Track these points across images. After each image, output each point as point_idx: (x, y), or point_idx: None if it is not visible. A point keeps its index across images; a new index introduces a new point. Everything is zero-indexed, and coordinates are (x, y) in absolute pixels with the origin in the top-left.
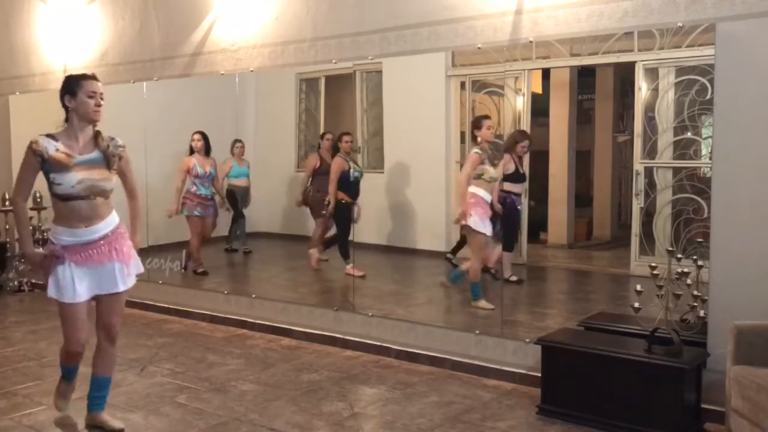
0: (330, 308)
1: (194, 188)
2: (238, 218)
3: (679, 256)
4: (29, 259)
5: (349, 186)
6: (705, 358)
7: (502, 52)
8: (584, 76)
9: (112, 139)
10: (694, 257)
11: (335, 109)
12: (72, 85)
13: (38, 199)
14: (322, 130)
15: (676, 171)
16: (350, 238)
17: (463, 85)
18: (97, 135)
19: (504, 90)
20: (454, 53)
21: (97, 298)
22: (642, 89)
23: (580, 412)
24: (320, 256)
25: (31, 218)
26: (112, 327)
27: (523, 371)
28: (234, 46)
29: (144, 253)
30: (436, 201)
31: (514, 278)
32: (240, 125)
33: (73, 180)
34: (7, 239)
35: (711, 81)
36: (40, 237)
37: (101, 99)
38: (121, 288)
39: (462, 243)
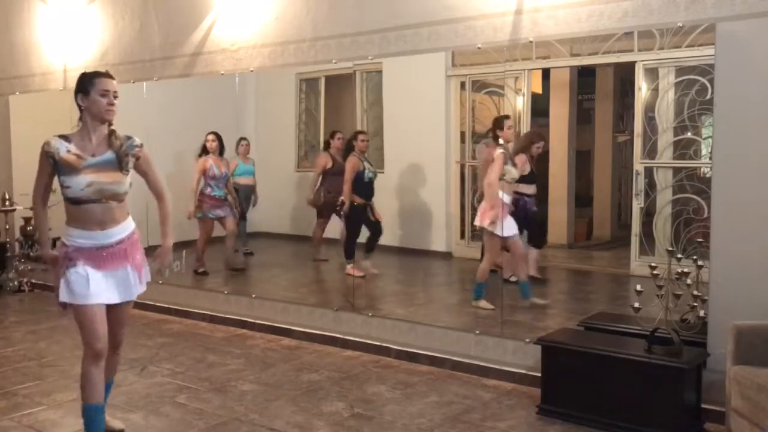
0: (330, 308)
1: (209, 190)
2: (242, 219)
3: (679, 256)
4: (48, 261)
5: (363, 187)
6: (705, 358)
7: (502, 52)
8: (584, 76)
9: (129, 138)
10: (694, 257)
11: (335, 109)
12: (85, 83)
13: None
14: (322, 131)
15: (676, 171)
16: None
17: (463, 85)
18: (111, 134)
19: (504, 90)
20: (454, 53)
21: (109, 306)
22: (642, 89)
23: (580, 412)
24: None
25: (30, 218)
26: (118, 337)
27: (523, 371)
28: (234, 46)
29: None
30: (437, 201)
31: (537, 276)
32: (240, 125)
33: (81, 183)
34: (7, 239)
35: (711, 81)
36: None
37: (115, 97)
38: (135, 295)
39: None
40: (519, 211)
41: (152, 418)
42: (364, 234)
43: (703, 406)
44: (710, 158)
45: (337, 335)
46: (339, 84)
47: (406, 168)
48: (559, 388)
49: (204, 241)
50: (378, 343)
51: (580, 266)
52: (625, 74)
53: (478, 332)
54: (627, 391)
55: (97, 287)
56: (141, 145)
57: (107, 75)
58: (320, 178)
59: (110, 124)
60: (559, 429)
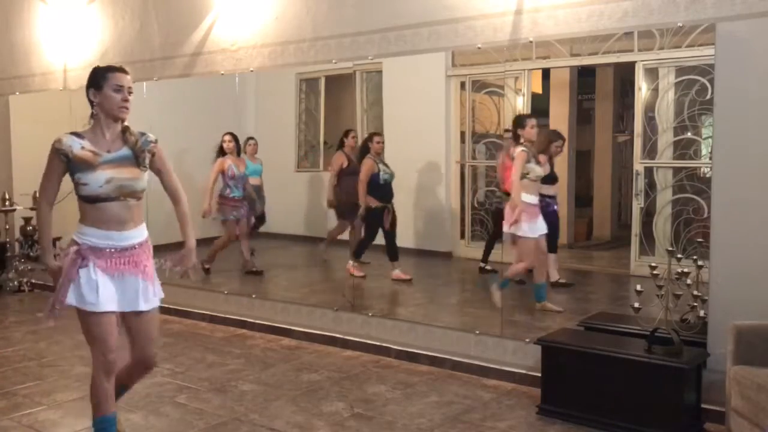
0: (330, 308)
1: (228, 191)
2: (261, 220)
3: (679, 256)
4: (49, 271)
5: (379, 189)
6: (705, 358)
7: (502, 52)
8: (584, 76)
9: (143, 134)
10: (694, 257)
11: (335, 109)
12: (97, 78)
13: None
14: (322, 131)
15: (676, 171)
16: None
17: (463, 85)
18: (125, 130)
19: (504, 90)
20: (454, 53)
21: (124, 318)
22: (642, 89)
23: (580, 412)
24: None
25: (30, 218)
26: (151, 360)
27: (523, 371)
28: (234, 46)
29: None
30: (437, 201)
31: (562, 280)
32: (240, 125)
33: (100, 179)
34: (7, 239)
35: (711, 81)
36: None
37: (129, 93)
38: (143, 306)
39: (490, 247)
40: (542, 212)
41: (152, 418)
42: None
43: (703, 406)
44: (710, 158)
45: (337, 335)
46: (339, 84)
47: (406, 168)
48: (559, 388)
49: (226, 242)
50: (378, 343)
51: (580, 266)
52: (625, 74)
53: (478, 332)
54: (627, 391)
55: (107, 293)
56: (156, 141)
57: (121, 69)
58: (337, 179)
59: (123, 121)
60: (559, 429)
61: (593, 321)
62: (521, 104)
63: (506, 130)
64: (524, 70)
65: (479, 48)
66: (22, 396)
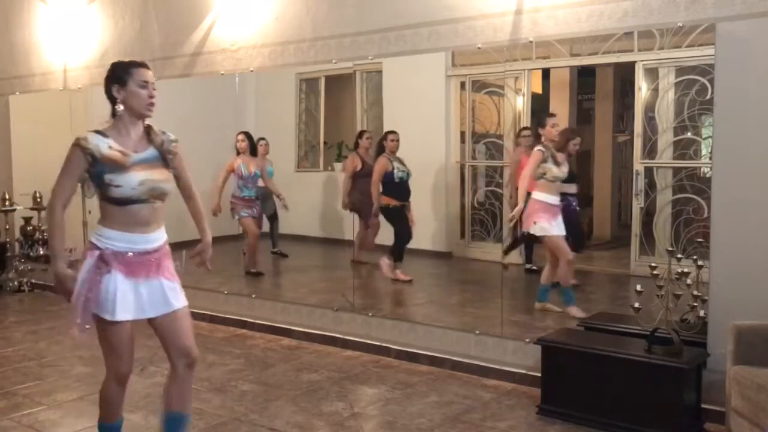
0: (330, 308)
1: (239, 191)
2: (274, 219)
3: (679, 256)
4: (57, 279)
5: (395, 188)
6: (705, 358)
7: (502, 52)
8: (584, 76)
9: (163, 132)
10: (694, 257)
11: (335, 109)
12: (120, 73)
13: (38, 199)
14: (322, 131)
15: (676, 171)
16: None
17: (463, 85)
18: (149, 130)
19: (504, 90)
20: (454, 53)
21: (154, 323)
22: (642, 89)
23: (580, 412)
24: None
25: (30, 218)
26: (190, 350)
27: (523, 371)
28: (234, 46)
29: None
30: (437, 201)
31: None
32: (240, 125)
33: (134, 181)
34: (7, 239)
35: (711, 81)
36: (40, 237)
37: (154, 90)
38: (176, 305)
39: (514, 244)
40: (564, 212)
41: (152, 418)
42: (383, 235)
43: (703, 406)
44: (710, 158)
45: (337, 335)
46: (339, 84)
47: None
48: (559, 388)
49: (253, 241)
50: (378, 343)
51: (580, 266)
52: (625, 74)
53: (478, 332)
54: (627, 391)
55: (127, 301)
56: (176, 141)
57: (144, 65)
58: (351, 180)
59: (145, 120)
60: (559, 429)
61: (593, 321)
62: (521, 104)
63: (524, 128)
64: (524, 70)
65: (479, 48)
66: (22, 396)
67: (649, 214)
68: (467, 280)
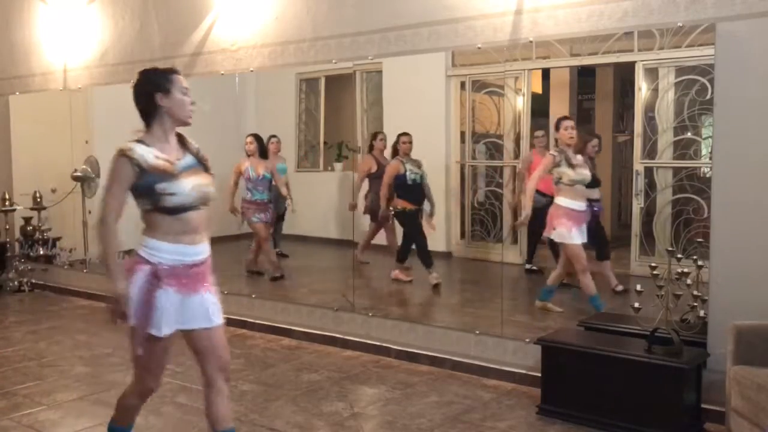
0: (330, 308)
1: (249, 194)
2: (279, 219)
3: (679, 256)
4: (117, 300)
5: (408, 190)
6: (705, 358)
7: (502, 52)
8: (584, 76)
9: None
10: (694, 257)
11: (335, 110)
12: (162, 81)
13: (38, 199)
14: (322, 131)
15: (676, 171)
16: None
17: (463, 85)
18: (181, 137)
19: (504, 90)
20: (454, 53)
21: (190, 335)
22: (642, 89)
23: (580, 412)
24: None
25: (30, 218)
26: (228, 365)
27: (523, 371)
28: (234, 46)
29: None
30: (437, 201)
31: (620, 288)
32: (240, 125)
33: (186, 188)
34: (7, 239)
35: (711, 81)
36: (40, 237)
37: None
38: (216, 321)
39: (533, 248)
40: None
41: (152, 418)
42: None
43: (703, 406)
44: (710, 158)
45: (337, 335)
46: (339, 84)
47: None
48: (559, 388)
49: (267, 244)
50: (378, 343)
51: None
52: (625, 74)
53: (478, 332)
54: (627, 391)
55: (168, 317)
56: (199, 149)
57: (179, 71)
58: (366, 182)
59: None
60: (559, 429)
61: (593, 321)
62: (521, 104)
63: (538, 129)
64: (524, 70)
65: (479, 48)
66: (22, 396)
67: (649, 214)
68: (467, 280)
